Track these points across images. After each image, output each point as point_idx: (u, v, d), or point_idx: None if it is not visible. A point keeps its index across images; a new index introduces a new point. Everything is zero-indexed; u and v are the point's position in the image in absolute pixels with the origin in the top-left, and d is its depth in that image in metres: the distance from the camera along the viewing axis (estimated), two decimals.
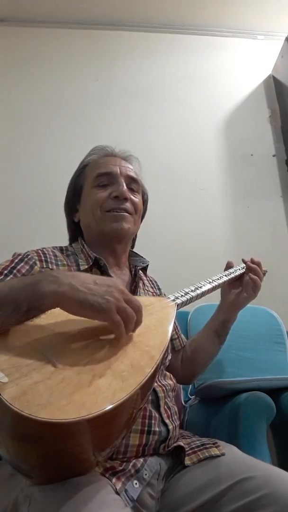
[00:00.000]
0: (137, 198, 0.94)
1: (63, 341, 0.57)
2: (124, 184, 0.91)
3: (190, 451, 0.75)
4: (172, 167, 2.08)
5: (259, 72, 2.35)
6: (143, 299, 0.72)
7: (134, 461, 0.68)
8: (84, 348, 0.57)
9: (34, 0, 2.15)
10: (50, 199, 1.92)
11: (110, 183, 0.92)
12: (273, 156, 2.21)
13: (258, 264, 0.99)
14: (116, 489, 0.61)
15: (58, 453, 0.49)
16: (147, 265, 1.00)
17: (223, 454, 0.74)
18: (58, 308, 0.57)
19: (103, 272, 0.86)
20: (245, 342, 1.49)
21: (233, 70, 2.33)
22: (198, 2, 2.22)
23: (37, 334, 0.57)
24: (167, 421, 0.75)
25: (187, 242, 1.96)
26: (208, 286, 0.89)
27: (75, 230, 0.99)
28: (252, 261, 0.99)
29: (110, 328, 0.58)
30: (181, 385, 1.32)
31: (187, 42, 2.34)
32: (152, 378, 0.57)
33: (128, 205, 0.90)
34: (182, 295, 0.82)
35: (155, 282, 1.07)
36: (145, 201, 1.02)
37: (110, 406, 0.47)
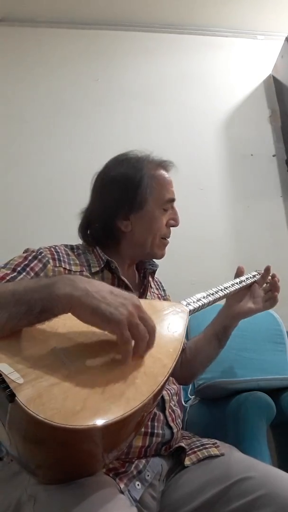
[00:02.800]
0: None
1: (78, 345, 0.57)
2: None
3: (190, 452, 0.76)
4: (172, 167, 2.08)
5: (259, 72, 2.34)
6: (156, 303, 0.72)
7: (136, 462, 0.68)
8: (99, 353, 0.56)
9: (34, 0, 2.15)
10: (50, 199, 1.93)
11: (170, 209, 0.95)
12: (273, 156, 2.20)
13: (275, 283, 0.99)
14: (120, 488, 0.61)
15: (67, 456, 0.49)
16: (156, 269, 0.99)
17: (222, 454, 0.74)
18: None
19: (114, 274, 0.86)
20: (245, 342, 1.49)
21: (233, 70, 2.33)
22: (198, 2, 2.22)
23: (52, 336, 0.56)
24: (172, 424, 0.75)
25: (187, 242, 1.95)
26: (221, 293, 0.89)
27: (103, 231, 0.91)
28: (274, 276, 1.00)
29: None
30: (180, 386, 1.32)
31: (187, 42, 2.33)
32: (164, 385, 0.57)
33: None
34: (194, 301, 0.82)
35: (160, 283, 1.07)
36: None
37: (124, 415, 0.47)
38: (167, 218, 0.93)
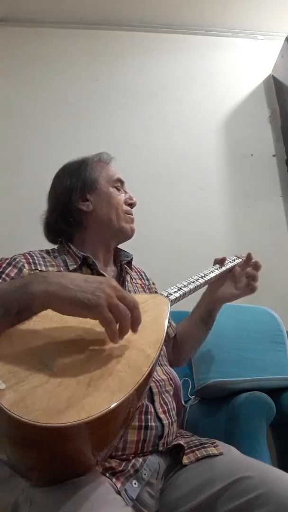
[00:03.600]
0: None
1: (58, 344, 0.57)
2: None
3: (188, 450, 0.76)
4: (172, 167, 2.08)
5: (259, 72, 2.35)
6: (137, 296, 0.72)
7: (133, 460, 0.68)
8: (80, 350, 0.56)
9: (34, 0, 2.15)
10: None
11: (122, 189, 1.02)
12: (273, 156, 2.20)
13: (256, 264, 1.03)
14: (117, 488, 0.61)
15: (57, 456, 0.49)
16: (131, 259, 1.02)
17: (221, 454, 0.74)
18: (52, 311, 0.56)
19: (93, 270, 0.88)
20: (245, 342, 1.48)
21: (233, 70, 2.33)
22: (198, 2, 2.22)
23: (32, 338, 0.56)
24: (161, 416, 0.75)
25: (187, 242, 1.96)
26: (201, 281, 0.91)
27: (63, 219, 0.96)
28: (256, 263, 1.03)
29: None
30: (181, 385, 1.32)
31: (187, 42, 2.33)
32: (149, 376, 0.57)
33: None
34: (175, 291, 0.82)
35: (143, 272, 1.08)
36: None
37: (110, 407, 0.47)
38: (124, 198, 1.00)
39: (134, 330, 0.57)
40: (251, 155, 2.19)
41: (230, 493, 0.64)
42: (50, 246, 1.00)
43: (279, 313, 1.64)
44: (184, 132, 2.17)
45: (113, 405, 0.47)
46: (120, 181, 1.02)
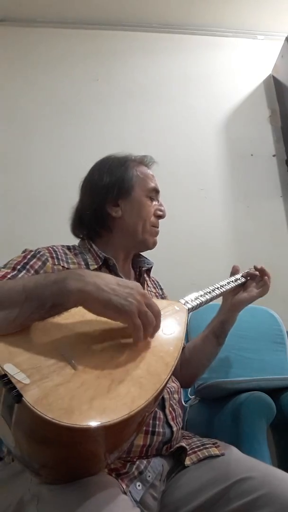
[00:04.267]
0: None
1: (81, 343, 0.57)
2: None
3: (190, 451, 0.76)
4: (172, 167, 2.08)
5: (259, 72, 2.34)
6: (158, 302, 0.72)
7: (137, 463, 0.68)
8: (103, 351, 0.57)
9: (34, 0, 2.15)
10: (50, 199, 1.93)
11: (155, 199, 0.99)
12: (273, 156, 2.20)
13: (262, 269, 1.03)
14: (123, 489, 0.61)
15: (72, 455, 0.50)
16: (151, 267, 1.01)
17: (222, 454, 0.74)
18: (79, 309, 0.57)
19: (112, 271, 0.87)
20: (245, 342, 1.49)
21: (233, 70, 2.33)
22: (198, 2, 2.22)
23: (56, 334, 0.57)
24: (171, 422, 0.75)
25: (187, 242, 1.96)
26: (217, 292, 0.91)
27: (95, 218, 0.94)
28: (260, 268, 1.04)
29: (128, 331, 0.59)
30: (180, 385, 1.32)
31: (187, 42, 2.33)
32: (166, 384, 0.57)
33: None
34: (192, 299, 0.83)
35: (157, 282, 1.08)
36: None
37: (130, 414, 0.47)
38: (154, 208, 0.97)
39: (152, 336, 0.61)
40: (251, 155, 2.19)
41: (231, 493, 0.64)
42: (50, 243, 0.99)
43: (279, 313, 1.64)
44: (184, 132, 2.17)
45: (133, 412, 0.48)
46: (156, 190, 0.99)
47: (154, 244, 0.97)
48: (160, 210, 0.98)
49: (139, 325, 0.57)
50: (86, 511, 0.49)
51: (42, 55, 2.19)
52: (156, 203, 0.98)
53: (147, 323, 0.58)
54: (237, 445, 0.80)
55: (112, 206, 0.94)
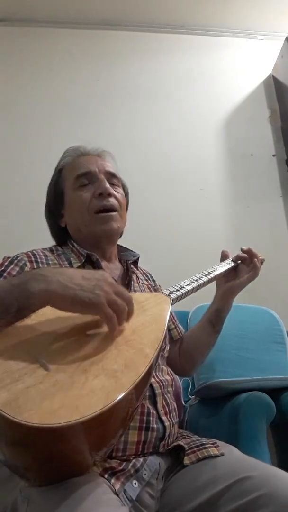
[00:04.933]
0: (119, 193, 0.95)
1: (54, 342, 0.56)
2: (106, 180, 0.91)
3: (189, 451, 0.75)
4: (172, 167, 2.08)
5: (259, 72, 2.35)
6: (137, 296, 0.72)
7: (134, 460, 0.68)
8: (76, 348, 0.56)
9: (34, 0, 2.15)
10: None
11: (91, 182, 0.92)
12: (273, 156, 2.21)
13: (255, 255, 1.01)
14: (115, 489, 0.60)
15: (53, 456, 0.49)
16: (138, 258, 1.00)
17: (222, 454, 0.74)
18: (47, 307, 0.56)
19: (96, 267, 0.87)
20: (245, 342, 1.49)
21: (233, 70, 2.33)
22: (198, 2, 2.22)
23: (27, 336, 0.56)
24: (163, 417, 0.75)
25: (187, 242, 1.96)
26: (204, 279, 0.89)
27: (62, 235, 0.97)
28: (249, 250, 1.02)
29: (102, 322, 0.58)
30: (181, 385, 1.32)
31: (187, 42, 2.34)
32: (147, 376, 0.57)
33: (113, 200, 0.91)
34: (177, 289, 0.81)
35: (149, 274, 1.07)
36: (126, 194, 1.02)
37: (104, 408, 0.46)
38: (93, 191, 0.90)
39: (128, 320, 0.61)
40: (251, 155, 2.19)
41: (231, 493, 0.64)
42: (50, 243, 0.99)
43: (279, 313, 1.64)
44: (184, 132, 2.17)
45: (107, 406, 0.47)
46: (85, 174, 0.91)
47: (107, 231, 0.90)
48: (98, 188, 0.90)
49: (110, 315, 0.57)
50: (74, 511, 0.49)
51: (42, 55, 2.19)
52: (93, 185, 0.91)
53: (118, 310, 0.58)
54: (236, 445, 0.80)
55: (60, 218, 0.97)
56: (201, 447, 0.76)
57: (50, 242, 1.01)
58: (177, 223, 1.99)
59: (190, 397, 1.37)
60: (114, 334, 0.58)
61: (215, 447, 0.76)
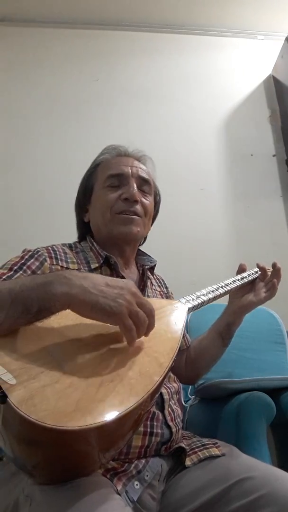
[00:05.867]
0: (147, 201, 0.93)
1: (72, 344, 0.56)
2: (135, 186, 0.90)
3: (190, 452, 0.75)
4: (172, 167, 2.08)
5: (259, 72, 2.35)
6: (154, 302, 0.71)
7: (136, 462, 0.68)
8: (94, 352, 0.56)
9: (34, 0, 2.15)
10: (49, 199, 1.93)
11: (121, 184, 0.90)
12: (273, 156, 2.21)
13: (279, 270, 0.96)
14: (117, 489, 0.61)
15: (62, 457, 0.49)
16: (155, 265, 0.99)
17: (223, 455, 0.74)
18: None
19: (113, 270, 0.86)
20: (245, 342, 1.48)
21: (233, 70, 2.33)
22: (198, 2, 2.22)
23: (47, 335, 0.56)
24: (170, 423, 0.75)
25: (187, 242, 1.96)
26: (221, 291, 0.87)
27: (84, 230, 0.98)
28: (275, 265, 0.97)
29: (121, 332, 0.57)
30: (181, 385, 1.32)
31: (187, 42, 2.33)
32: (160, 385, 0.56)
33: (138, 207, 0.89)
34: (193, 299, 0.80)
35: (162, 280, 1.06)
36: (157, 203, 1.00)
37: (117, 416, 0.47)
38: (120, 193, 0.89)
39: (147, 335, 0.59)
40: (251, 155, 2.19)
41: (232, 493, 0.64)
42: (49, 242, 0.99)
43: (279, 313, 1.64)
44: (184, 132, 2.17)
45: (120, 414, 0.47)
46: (117, 175, 0.91)
47: (128, 234, 0.88)
48: (125, 192, 0.88)
49: (130, 326, 0.55)
50: (77, 511, 0.49)
51: (42, 55, 2.19)
52: (121, 188, 0.90)
53: (138, 323, 0.56)
54: (237, 445, 0.80)
55: (85, 213, 0.97)
56: (202, 448, 0.76)
57: (50, 241, 1.01)
58: (177, 223, 1.99)
59: (190, 397, 1.37)
60: (131, 347, 0.57)
61: (216, 447, 0.76)
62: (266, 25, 2.35)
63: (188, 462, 0.73)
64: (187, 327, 1.51)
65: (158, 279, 1.04)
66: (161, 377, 0.55)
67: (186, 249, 1.93)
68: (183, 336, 1.03)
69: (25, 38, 2.21)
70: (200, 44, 2.34)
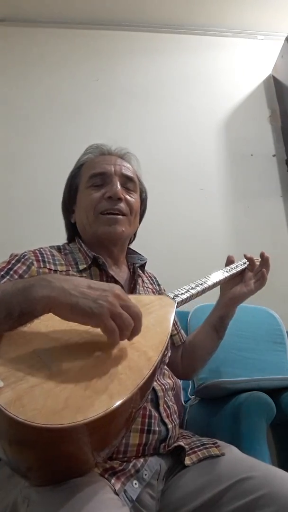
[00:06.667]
0: (132, 198, 0.92)
1: (60, 344, 0.56)
2: (118, 184, 0.89)
3: (190, 451, 0.75)
4: (172, 167, 2.08)
5: (259, 72, 2.35)
6: (143, 298, 0.72)
7: (134, 461, 0.68)
8: (81, 350, 0.56)
9: (34, 0, 2.15)
10: (48, 199, 1.92)
11: (105, 183, 0.90)
12: (273, 156, 2.21)
13: (267, 260, 0.98)
14: (115, 489, 0.60)
15: (55, 456, 0.49)
16: (145, 262, 0.99)
17: (223, 454, 0.74)
18: None
19: (102, 270, 0.86)
20: (245, 342, 1.48)
21: (233, 70, 2.33)
22: (198, 2, 2.22)
23: (34, 337, 0.56)
24: (166, 420, 0.75)
25: (187, 242, 1.96)
26: (209, 283, 0.88)
27: (72, 231, 0.98)
28: (263, 254, 0.98)
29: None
30: (180, 385, 1.32)
31: (187, 42, 2.34)
32: (151, 379, 0.56)
33: (122, 205, 0.89)
34: (182, 293, 0.81)
35: (154, 277, 1.06)
36: (143, 200, 1.00)
37: (107, 410, 0.46)
38: (103, 192, 0.89)
39: (130, 339, 0.57)
40: (251, 155, 2.19)
41: (232, 493, 0.64)
42: (49, 243, 0.99)
43: (279, 313, 1.64)
44: (184, 132, 2.17)
45: (110, 408, 0.47)
46: (100, 174, 0.90)
47: (112, 234, 0.87)
48: (108, 191, 0.88)
49: (112, 328, 0.53)
50: (73, 511, 0.49)
51: (42, 55, 2.20)
52: (105, 187, 0.89)
53: (122, 325, 0.54)
54: (237, 445, 0.80)
55: (72, 214, 0.97)
56: (201, 447, 0.76)
57: (50, 241, 1.01)
58: (177, 223, 1.99)
59: (190, 397, 1.37)
60: (118, 344, 0.56)
61: (216, 447, 0.76)
62: (266, 25, 2.35)
63: (187, 461, 0.73)
64: (187, 325, 1.52)
65: (150, 277, 1.04)
66: (151, 371, 0.55)
67: (185, 249, 1.93)
68: (178, 332, 1.04)
69: (25, 38, 2.21)
70: (200, 44, 2.34)
